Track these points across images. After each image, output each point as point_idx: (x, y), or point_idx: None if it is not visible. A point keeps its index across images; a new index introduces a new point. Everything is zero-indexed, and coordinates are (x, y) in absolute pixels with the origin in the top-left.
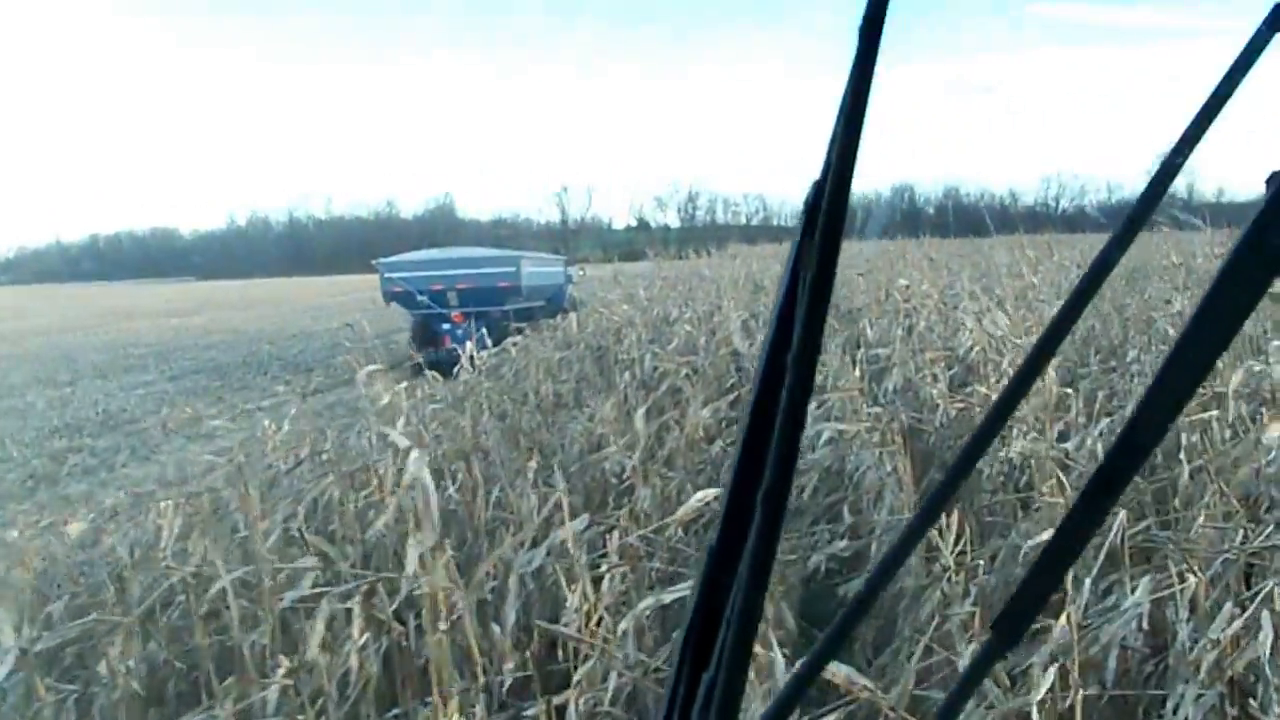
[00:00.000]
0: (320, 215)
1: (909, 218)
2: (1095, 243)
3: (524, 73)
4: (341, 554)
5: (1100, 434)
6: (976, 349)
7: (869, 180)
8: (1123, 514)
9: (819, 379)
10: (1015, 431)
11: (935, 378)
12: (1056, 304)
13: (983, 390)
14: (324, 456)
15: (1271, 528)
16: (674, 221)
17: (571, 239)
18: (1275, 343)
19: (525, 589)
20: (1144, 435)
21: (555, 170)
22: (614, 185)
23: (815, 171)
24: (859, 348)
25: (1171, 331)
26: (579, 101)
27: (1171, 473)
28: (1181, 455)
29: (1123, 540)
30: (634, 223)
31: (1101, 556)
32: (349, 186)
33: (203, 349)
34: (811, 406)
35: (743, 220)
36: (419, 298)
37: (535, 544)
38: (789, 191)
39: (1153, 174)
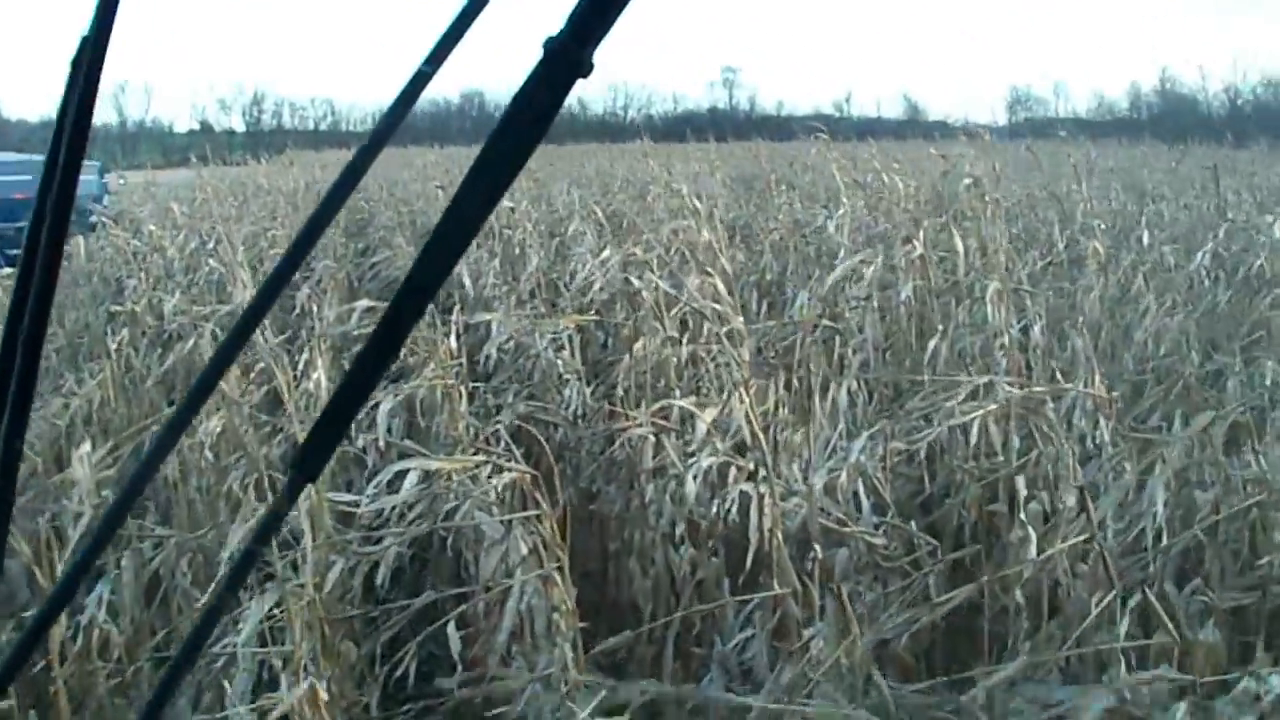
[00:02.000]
0: None
1: (477, 123)
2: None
3: None
4: None
5: None
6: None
7: (440, 87)
8: None
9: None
10: None
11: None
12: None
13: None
14: None
15: None
16: (239, 126)
17: (130, 143)
18: None
19: None
20: (425, 278)
21: (110, 66)
22: (175, 85)
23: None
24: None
25: None
26: None
27: None
28: None
29: None
30: (196, 126)
31: None
32: None
33: None
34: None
35: (311, 125)
36: None
37: None
38: (360, 96)
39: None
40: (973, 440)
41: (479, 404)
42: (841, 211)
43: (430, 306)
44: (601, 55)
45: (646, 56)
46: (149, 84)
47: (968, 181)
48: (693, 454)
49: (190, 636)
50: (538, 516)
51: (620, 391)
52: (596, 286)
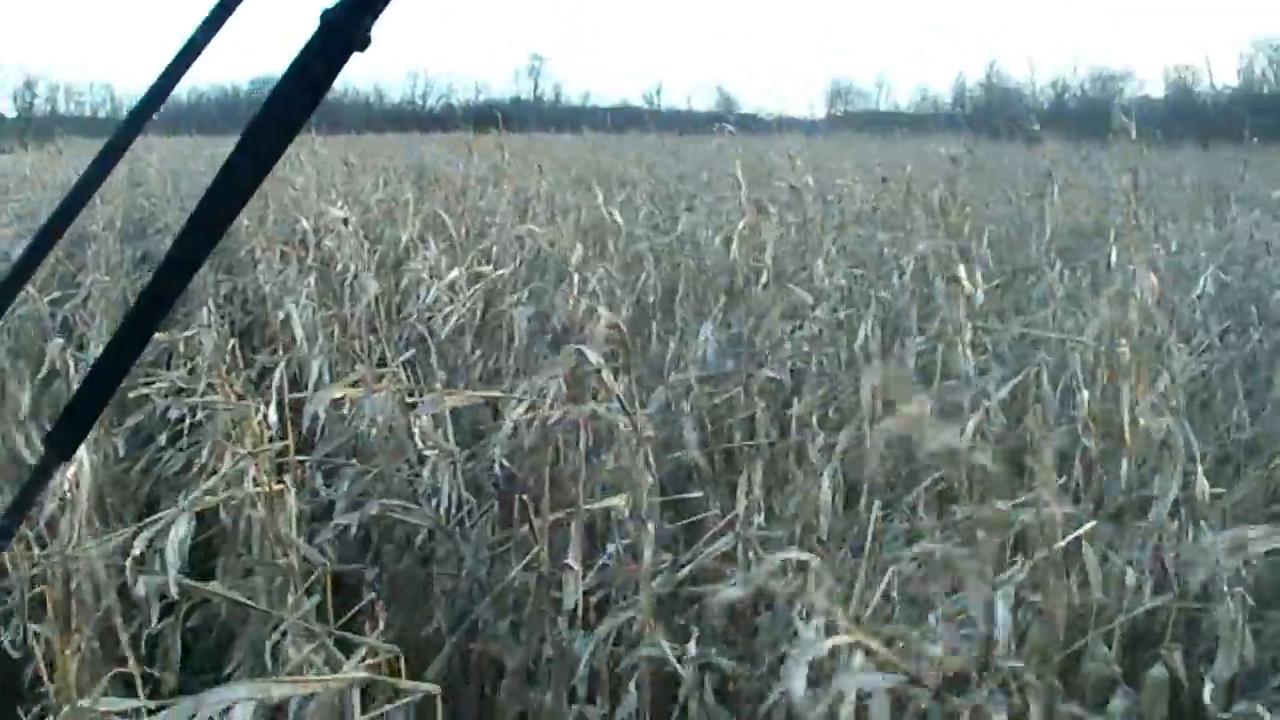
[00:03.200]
0: None
1: None
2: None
3: None
4: None
5: None
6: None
7: (230, 73)
8: None
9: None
10: None
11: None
12: None
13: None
14: None
15: None
16: (9, 111)
17: None
18: None
19: None
20: (190, 251)
21: None
22: None
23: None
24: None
25: None
26: None
27: None
28: None
29: None
30: None
31: None
32: None
33: None
34: None
35: (88, 111)
36: None
37: None
38: (142, 81)
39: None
40: None
41: (306, 495)
42: (743, 222)
43: (232, 346)
44: (403, 40)
45: (450, 43)
46: None
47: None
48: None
49: None
50: None
51: (501, 473)
52: (443, 314)
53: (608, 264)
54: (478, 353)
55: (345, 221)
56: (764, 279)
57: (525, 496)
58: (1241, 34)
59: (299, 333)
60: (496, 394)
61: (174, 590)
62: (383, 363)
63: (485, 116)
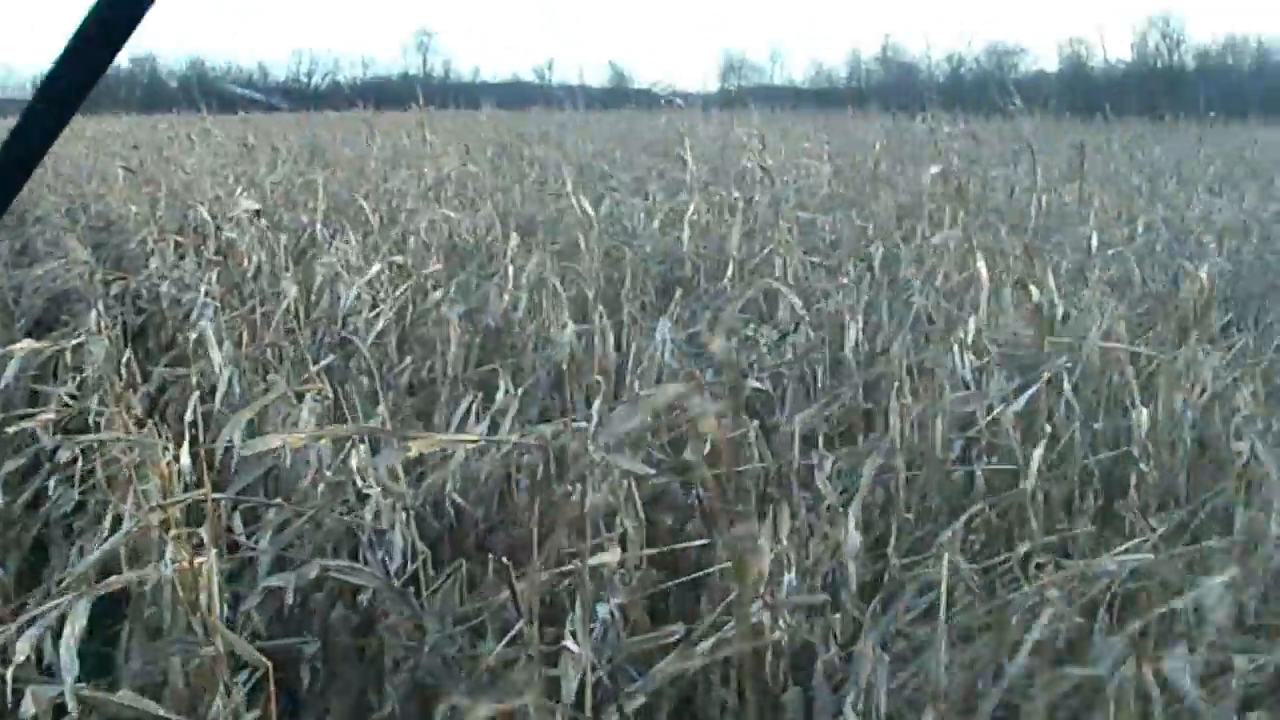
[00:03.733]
0: None
1: (150, 91)
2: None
3: None
4: None
5: None
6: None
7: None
8: None
9: None
10: None
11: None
12: None
13: None
14: None
15: None
16: None
17: None
18: None
19: None
20: (33, 137)
21: None
22: None
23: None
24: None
25: None
26: None
27: None
28: None
29: None
30: None
31: None
32: None
33: None
34: None
35: None
36: None
37: None
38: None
39: None
40: None
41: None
42: (693, 210)
43: (128, 358)
44: (287, 16)
45: (335, 19)
46: None
47: None
48: None
49: None
50: None
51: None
52: (365, 317)
53: (542, 253)
54: (408, 359)
55: (258, 214)
56: (729, 271)
57: (497, 553)
58: (1135, 8)
59: (216, 356)
60: (472, 439)
61: (71, 705)
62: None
63: (379, 95)
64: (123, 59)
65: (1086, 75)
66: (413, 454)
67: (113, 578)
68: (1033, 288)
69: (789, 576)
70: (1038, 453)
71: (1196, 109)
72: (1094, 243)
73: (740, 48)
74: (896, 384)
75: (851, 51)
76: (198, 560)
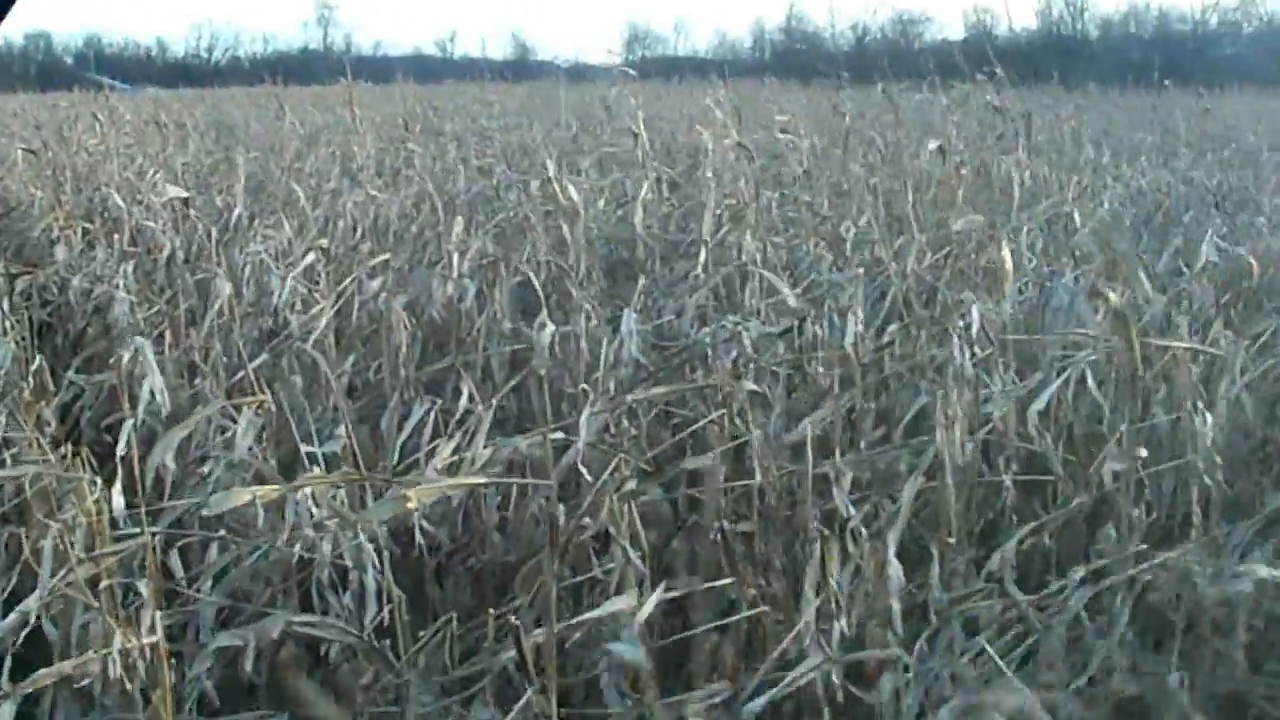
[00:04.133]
0: None
1: (45, 70)
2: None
3: None
4: None
5: None
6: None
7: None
8: None
9: None
10: None
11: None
12: None
13: None
14: None
15: None
16: None
17: None
18: None
19: None
20: None
21: None
22: None
23: None
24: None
25: None
26: None
27: None
28: None
29: None
30: None
31: None
32: None
33: None
34: None
35: None
36: None
37: None
38: None
39: None
40: None
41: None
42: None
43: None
44: None
45: None
46: None
47: None
48: None
49: None
50: None
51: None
52: (300, 312)
53: (483, 237)
54: (350, 359)
55: (186, 202)
56: (701, 255)
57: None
58: None
59: (153, 375)
60: (477, 481)
61: None
62: (230, 375)
63: (284, 70)
64: (17, 37)
65: (992, 43)
66: (412, 503)
67: (40, 673)
68: (1110, 294)
69: (839, 624)
70: (1111, 465)
71: (1100, 77)
72: (1077, 219)
73: (644, 18)
74: (941, 392)
75: (756, 21)
76: (144, 641)
